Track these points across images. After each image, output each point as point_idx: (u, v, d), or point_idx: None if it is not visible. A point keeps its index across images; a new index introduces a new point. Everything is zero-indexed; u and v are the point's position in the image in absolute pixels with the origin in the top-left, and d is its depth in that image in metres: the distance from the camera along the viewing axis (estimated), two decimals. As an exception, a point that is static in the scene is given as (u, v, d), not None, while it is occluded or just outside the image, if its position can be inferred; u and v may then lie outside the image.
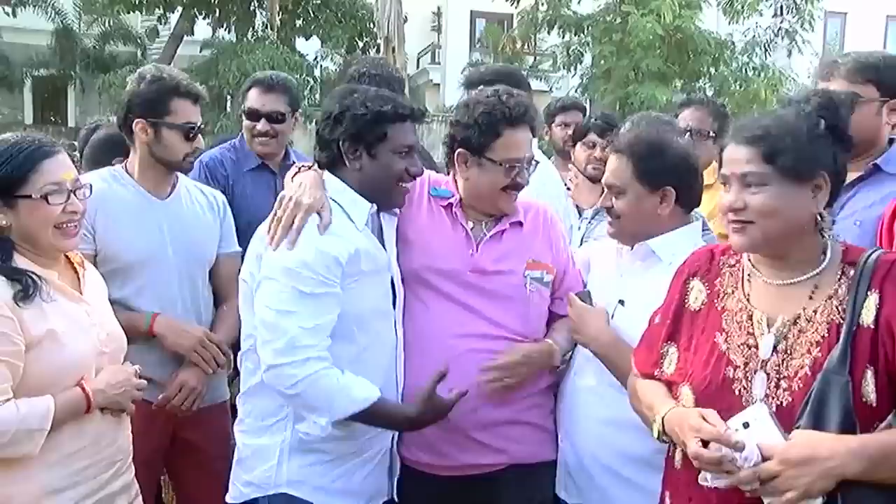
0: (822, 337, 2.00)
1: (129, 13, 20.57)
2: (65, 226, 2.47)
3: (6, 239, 2.43)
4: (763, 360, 2.05)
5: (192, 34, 21.34)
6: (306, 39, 21.47)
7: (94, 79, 20.59)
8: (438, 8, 29.04)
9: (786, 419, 1.96)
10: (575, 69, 19.27)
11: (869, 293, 1.99)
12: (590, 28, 18.56)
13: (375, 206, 2.71)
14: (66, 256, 2.62)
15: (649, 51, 16.94)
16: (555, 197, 3.78)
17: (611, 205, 2.75)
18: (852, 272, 2.04)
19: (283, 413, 2.62)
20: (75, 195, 2.49)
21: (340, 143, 2.65)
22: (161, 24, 21.36)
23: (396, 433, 2.81)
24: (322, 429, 2.52)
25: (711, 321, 2.19)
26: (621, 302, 2.78)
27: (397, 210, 2.83)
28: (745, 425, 1.95)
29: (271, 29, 20.23)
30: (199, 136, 3.20)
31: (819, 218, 2.08)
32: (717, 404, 2.05)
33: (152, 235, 3.12)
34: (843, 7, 27.49)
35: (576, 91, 19.37)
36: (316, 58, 22.12)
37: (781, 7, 18.74)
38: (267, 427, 2.65)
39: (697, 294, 2.27)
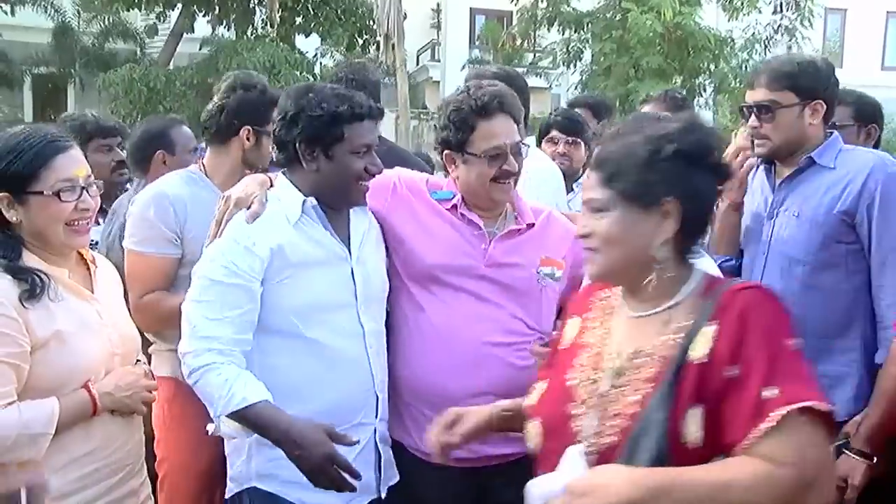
0: (657, 373, 1.85)
1: (128, 10, 20.46)
2: (76, 223, 2.41)
3: (15, 236, 2.38)
4: (600, 396, 1.93)
5: (192, 31, 21.27)
6: (306, 37, 21.44)
7: (93, 76, 20.54)
8: (438, 5, 29.03)
9: (610, 458, 1.83)
10: (575, 66, 19.25)
11: (707, 325, 1.82)
12: (590, 25, 18.55)
13: (313, 199, 2.67)
14: (79, 253, 2.57)
15: (649, 48, 16.92)
16: (557, 190, 3.83)
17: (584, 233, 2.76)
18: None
19: None
20: (87, 192, 2.44)
21: (297, 144, 2.63)
22: (161, 21, 21.33)
23: (380, 426, 2.78)
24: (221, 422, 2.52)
25: (571, 356, 2.07)
26: None
27: (366, 204, 2.82)
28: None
29: (271, 26, 20.18)
30: None
31: (677, 248, 1.94)
32: (558, 440, 1.94)
33: None
34: (843, 3, 27.39)
35: (575, 88, 19.37)
36: (316, 55, 22.09)
37: (781, 4, 18.70)
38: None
39: (570, 331, 2.16)
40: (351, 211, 2.79)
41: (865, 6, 27.90)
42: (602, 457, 1.84)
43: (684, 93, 5.22)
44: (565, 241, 2.89)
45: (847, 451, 2.81)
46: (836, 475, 2.71)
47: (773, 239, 3.06)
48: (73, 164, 2.42)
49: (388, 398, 2.82)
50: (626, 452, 1.82)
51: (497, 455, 2.80)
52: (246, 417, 2.44)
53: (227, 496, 2.74)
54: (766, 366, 1.74)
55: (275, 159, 2.78)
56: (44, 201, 2.36)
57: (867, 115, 3.82)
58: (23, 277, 2.31)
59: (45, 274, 2.36)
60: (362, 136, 2.67)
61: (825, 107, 3.01)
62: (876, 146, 3.84)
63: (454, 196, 2.89)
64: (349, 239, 2.76)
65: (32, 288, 2.30)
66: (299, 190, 2.68)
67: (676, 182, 1.90)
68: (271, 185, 2.76)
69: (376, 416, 2.76)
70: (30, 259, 2.37)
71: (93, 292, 2.52)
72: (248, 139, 3.21)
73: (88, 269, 2.58)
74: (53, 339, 2.33)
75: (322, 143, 2.62)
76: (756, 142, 3.08)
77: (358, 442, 2.56)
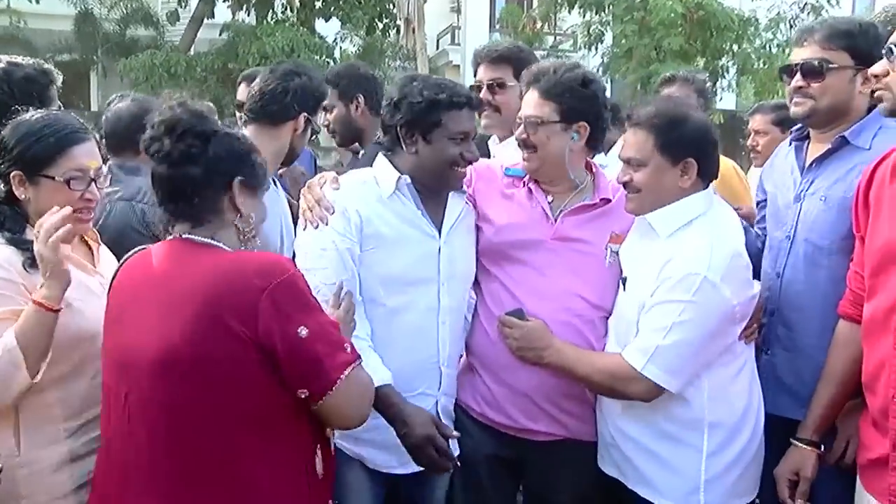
0: None
1: (149, -3, 20.62)
2: (80, 212, 2.51)
3: (22, 212, 2.49)
4: None
5: (213, 17, 21.29)
6: (326, 21, 21.38)
7: (115, 63, 20.60)
8: (458, -12, 28.95)
9: None
10: (596, 49, 19.06)
11: None
12: (611, 7, 18.34)
13: (407, 178, 2.84)
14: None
15: (671, 29, 16.73)
16: None
17: (630, 178, 2.76)
18: None
19: None
20: (95, 183, 2.54)
21: (398, 128, 2.81)
22: (181, 7, 21.32)
23: (442, 400, 2.93)
24: None
25: None
26: (623, 280, 2.83)
27: (465, 189, 3.00)
28: None
29: (291, 11, 20.20)
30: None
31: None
32: None
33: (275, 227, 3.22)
34: None
35: (597, 71, 19.23)
36: (335, 39, 22.04)
37: (807, -20, 18.44)
38: None
39: None
40: (449, 195, 2.95)
41: None
42: None
43: (707, 75, 5.11)
44: None
45: (795, 443, 2.74)
46: (786, 468, 2.71)
47: (800, 224, 2.90)
48: (88, 155, 2.54)
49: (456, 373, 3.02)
50: None
51: (537, 431, 2.94)
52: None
53: None
54: None
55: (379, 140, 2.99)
56: (54, 186, 2.48)
57: None
58: (25, 248, 2.40)
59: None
60: (460, 124, 2.83)
61: None
62: None
63: (525, 175, 2.99)
64: (442, 221, 2.90)
65: (35, 257, 2.36)
66: (398, 170, 2.85)
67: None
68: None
69: (439, 389, 2.90)
70: (33, 234, 2.42)
71: (95, 267, 2.63)
72: (299, 125, 3.27)
73: (90, 247, 2.68)
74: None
75: (420, 127, 2.80)
76: (796, 99, 2.89)
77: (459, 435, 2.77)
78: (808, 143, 2.98)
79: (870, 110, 2.84)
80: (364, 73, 4.17)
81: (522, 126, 2.93)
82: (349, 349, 2.19)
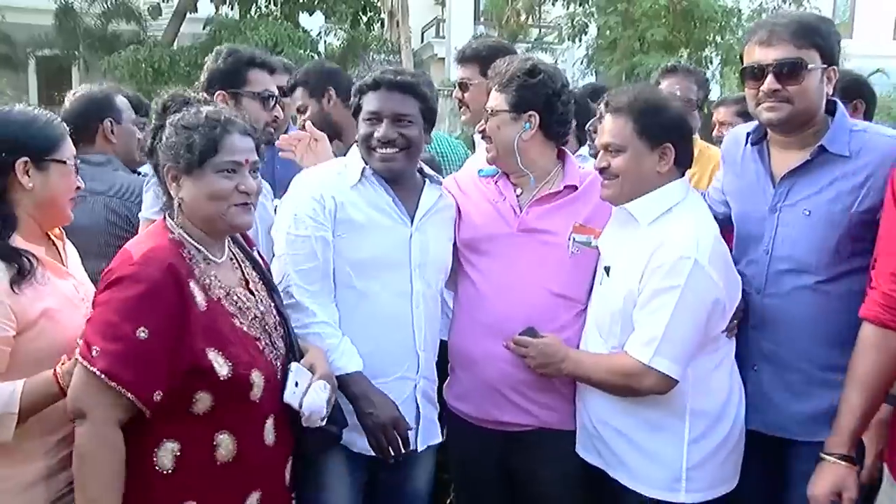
0: None
1: (131, -9, 20.53)
2: (72, 200, 2.55)
3: (10, 214, 2.41)
4: None
5: (196, 11, 21.19)
6: (310, 15, 21.31)
7: (97, 58, 20.49)
8: (442, -19, 28.88)
9: None
10: (580, 40, 19.14)
11: None
12: (594, -1, 18.46)
13: (369, 168, 2.92)
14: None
15: (655, 20, 16.86)
16: None
17: (607, 164, 2.77)
18: None
19: None
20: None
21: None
22: (164, 1, 21.27)
23: (421, 383, 2.97)
24: None
25: None
26: (606, 269, 2.83)
27: (440, 179, 3.12)
28: None
29: (274, 5, 20.12)
30: (279, 106, 3.39)
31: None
32: None
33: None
34: None
35: (581, 63, 19.27)
36: (319, 33, 21.99)
37: (789, -28, 18.53)
38: None
39: None
40: (425, 186, 3.03)
41: None
42: None
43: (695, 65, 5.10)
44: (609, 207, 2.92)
45: (828, 458, 2.55)
46: (825, 489, 2.53)
47: (777, 239, 2.78)
48: (71, 144, 2.54)
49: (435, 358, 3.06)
50: None
51: (511, 423, 2.98)
52: (339, 379, 2.68)
53: None
54: None
55: None
56: (63, 169, 2.49)
57: (852, 91, 3.68)
58: (13, 261, 2.33)
59: (33, 255, 2.39)
60: (370, 104, 2.91)
61: (836, 75, 2.72)
62: (867, 118, 3.72)
63: (496, 173, 3.09)
64: (416, 209, 2.96)
65: (21, 271, 2.33)
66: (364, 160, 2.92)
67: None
68: None
69: (417, 372, 2.94)
70: (15, 240, 2.40)
71: (65, 266, 2.59)
72: (226, 104, 3.21)
73: (55, 245, 2.62)
74: (43, 317, 2.37)
75: (353, 113, 2.95)
76: (770, 104, 2.70)
77: (410, 429, 2.82)
78: (768, 147, 2.86)
79: (827, 112, 2.76)
80: (329, 67, 4.20)
81: (484, 118, 3.06)
82: (95, 353, 2.18)
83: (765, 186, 2.82)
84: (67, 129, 2.56)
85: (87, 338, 2.21)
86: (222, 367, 2.27)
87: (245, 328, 2.41)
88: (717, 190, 3.13)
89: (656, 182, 2.75)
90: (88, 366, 2.17)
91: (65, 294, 2.48)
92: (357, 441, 2.81)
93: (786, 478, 2.84)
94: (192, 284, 2.30)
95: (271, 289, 2.65)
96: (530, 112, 2.95)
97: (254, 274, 2.61)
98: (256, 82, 3.30)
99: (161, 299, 2.21)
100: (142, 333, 2.17)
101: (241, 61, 3.29)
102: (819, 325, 2.74)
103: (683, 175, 2.82)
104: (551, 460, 2.98)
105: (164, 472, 2.26)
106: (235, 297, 2.44)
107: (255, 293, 2.54)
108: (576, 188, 2.99)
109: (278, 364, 2.48)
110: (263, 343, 2.45)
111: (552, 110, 2.97)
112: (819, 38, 2.66)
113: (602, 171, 2.79)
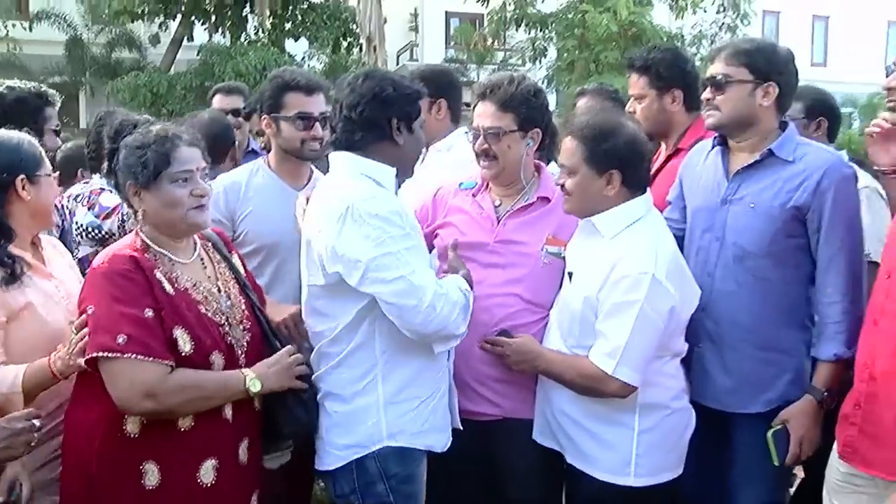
0: None
1: (133, 22, 20.36)
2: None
3: (8, 226, 2.51)
4: None
5: (192, 39, 21.18)
6: (295, 41, 21.32)
7: (102, 84, 20.46)
8: (416, 9, 28.90)
9: None
10: (540, 62, 19.29)
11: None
12: (553, 24, 18.56)
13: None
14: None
15: (607, 44, 16.97)
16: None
17: (563, 182, 2.76)
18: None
19: (371, 375, 2.60)
20: None
21: (391, 120, 2.61)
22: (162, 30, 21.16)
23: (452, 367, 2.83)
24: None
25: None
26: (569, 275, 2.81)
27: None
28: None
29: (263, 32, 20.12)
30: (318, 124, 3.14)
31: None
32: None
33: (284, 221, 3.01)
34: (777, 6, 28.45)
35: (542, 82, 19.41)
36: (304, 57, 22.04)
37: (723, 4, 18.80)
38: (358, 392, 2.61)
39: None
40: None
41: (796, 9, 29.22)
42: None
43: (616, 87, 5.16)
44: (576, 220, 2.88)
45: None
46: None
47: (728, 227, 2.86)
48: None
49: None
50: None
51: (477, 412, 2.93)
52: None
53: (334, 466, 2.64)
54: None
55: (344, 140, 2.66)
56: (49, 182, 2.62)
57: (817, 109, 3.80)
58: (8, 265, 2.44)
59: (24, 261, 2.50)
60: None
61: (777, 90, 2.80)
62: (831, 137, 3.86)
63: (475, 186, 3.03)
64: None
65: (14, 274, 2.44)
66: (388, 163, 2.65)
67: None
68: None
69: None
70: (15, 247, 2.51)
71: (46, 268, 2.65)
72: (269, 127, 3.24)
73: (39, 250, 2.69)
74: (26, 310, 2.46)
75: (410, 118, 2.66)
76: (706, 111, 2.90)
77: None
78: (729, 148, 2.97)
79: (782, 125, 2.88)
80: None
81: (482, 137, 2.90)
82: (122, 341, 2.26)
83: (720, 182, 2.91)
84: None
85: (101, 332, 2.30)
86: (186, 345, 2.35)
87: (209, 314, 2.46)
88: (677, 196, 3.17)
89: (607, 203, 2.72)
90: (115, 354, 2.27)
91: (46, 291, 2.55)
92: (432, 441, 2.71)
93: (731, 448, 2.94)
94: (157, 274, 2.38)
95: (243, 286, 2.67)
96: (535, 129, 2.91)
97: (227, 273, 2.65)
98: (292, 105, 3.14)
99: (133, 282, 2.33)
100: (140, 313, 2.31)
101: (279, 86, 3.18)
102: (757, 308, 2.82)
103: (645, 192, 2.79)
104: (514, 446, 2.95)
105: (130, 436, 2.35)
106: (202, 288, 2.49)
107: (223, 290, 2.57)
108: (549, 200, 2.94)
109: (241, 353, 2.51)
110: (225, 329, 2.49)
111: (549, 127, 2.97)
112: (750, 57, 2.80)
113: (562, 187, 2.78)
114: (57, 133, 3.59)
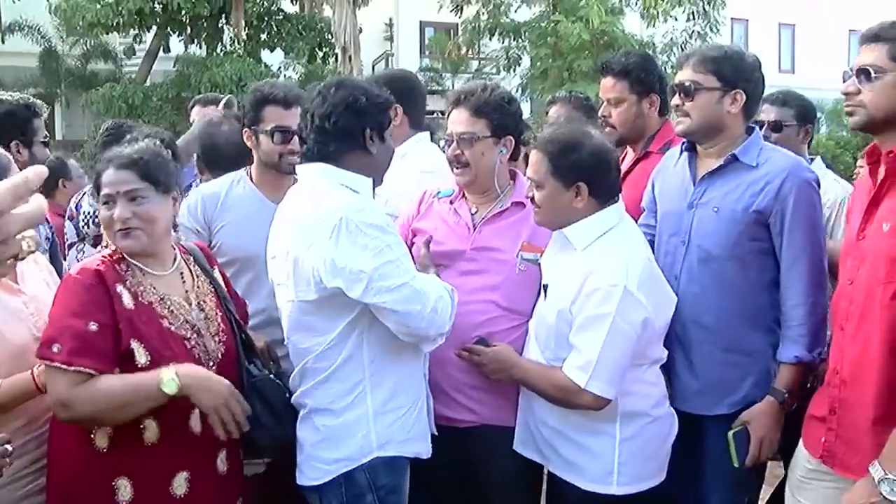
0: None
1: (107, 33, 20.16)
2: None
3: None
4: None
5: (168, 51, 21.08)
6: (271, 51, 21.28)
7: (77, 96, 20.32)
8: (390, 19, 28.85)
9: None
10: (514, 71, 19.35)
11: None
12: (526, 34, 18.64)
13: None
14: None
15: (580, 52, 17.03)
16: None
17: (532, 195, 2.75)
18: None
19: (360, 387, 2.56)
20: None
21: (364, 130, 2.57)
22: (137, 42, 21.04)
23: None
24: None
25: None
26: (545, 288, 2.80)
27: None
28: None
29: (238, 43, 20.04)
30: (296, 137, 3.02)
31: None
32: None
33: (261, 234, 2.89)
34: (745, 14, 28.48)
35: (516, 90, 19.49)
36: (280, 68, 21.98)
37: (693, 13, 18.99)
38: (347, 405, 2.56)
39: None
40: None
41: (763, 17, 29.53)
42: None
43: (588, 94, 5.17)
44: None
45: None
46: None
47: (693, 231, 2.88)
48: None
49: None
50: None
51: (455, 419, 2.91)
52: None
53: (321, 480, 2.57)
54: None
55: (317, 150, 2.59)
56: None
57: (807, 116, 3.87)
58: None
59: None
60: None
61: (745, 97, 2.82)
62: (809, 143, 3.95)
63: (452, 193, 3.02)
64: None
65: None
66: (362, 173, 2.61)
67: None
68: None
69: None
70: None
71: (18, 284, 2.56)
72: (250, 140, 3.22)
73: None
74: None
75: (383, 127, 2.62)
76: (677, 118, 2.92)
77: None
78: (697, 154, 2.99)
79: (748, 130, 2.90)
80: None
81: (455, 143, 2.89)
82: (56, 350, 2.25)
83: (687, 187, 2.93)
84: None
85: (46, 341, 2.30)
86: (141, 357, 2.33)
87: (173, 328, 2.43)
88: (650, 201, 3.19)
89: (577, 214, 2.70)
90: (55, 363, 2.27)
91: (10, 308, 2.47)
92: (419, 448, 2.70)
93: (703, 450, 2.95)
94: (118, 287, 2.37)
95: (221, 300, 2.64)
96: (508, 136, 2.89)
97: (206, 287, 2.61)
98: (270, 118, 3.14)
99: (90, 293, 2.33)
100: (92, 326, 2.29)
101: (257, 99, 3.17)
102: (721, 310, 2.84)
103: (616, 201, 2.77)
104: (492, 454, 2.93)
105: (100, 451, 2.35)
106: (169, 303, 2.46)
107: (195, 302, 2.54)
108: (523, 206, 2.91)
109: (211, 364, 2.48)
110: (192, 343, 2.46)
111: (521, 134, 2.95)
112: (718, 65, 2.83)
113: (531, 200, 2.77)
114: (46, 144, 3.58)
